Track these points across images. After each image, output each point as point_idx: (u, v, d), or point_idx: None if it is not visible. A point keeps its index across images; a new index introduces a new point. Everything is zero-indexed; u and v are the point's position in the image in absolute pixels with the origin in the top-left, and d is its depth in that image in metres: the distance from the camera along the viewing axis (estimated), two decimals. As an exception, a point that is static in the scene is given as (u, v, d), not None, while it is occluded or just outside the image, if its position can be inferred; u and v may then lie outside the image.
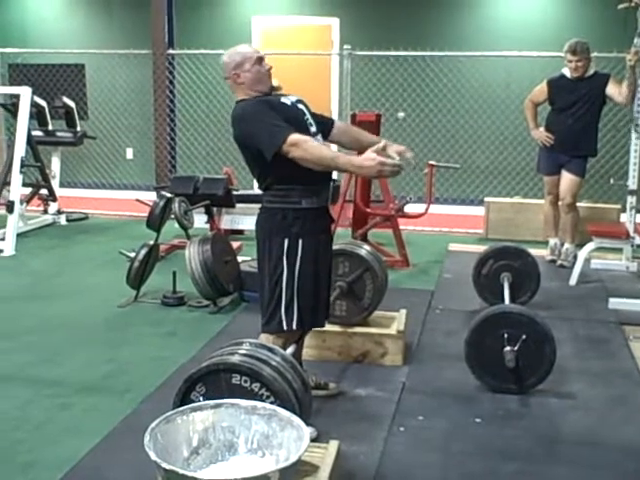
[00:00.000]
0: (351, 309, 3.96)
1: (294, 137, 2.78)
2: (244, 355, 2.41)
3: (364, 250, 3.98)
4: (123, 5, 9.10)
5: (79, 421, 3.30)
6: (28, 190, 7.18)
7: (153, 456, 1.77)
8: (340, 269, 3.85)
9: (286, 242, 2.96)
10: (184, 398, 2.35)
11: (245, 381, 2.33)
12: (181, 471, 1.77)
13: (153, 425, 1.91)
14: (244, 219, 6.71)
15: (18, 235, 6.46)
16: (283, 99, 3.04)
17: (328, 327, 3.91)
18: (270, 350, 2.51)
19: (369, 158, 2.69)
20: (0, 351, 4.12)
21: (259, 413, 2.06)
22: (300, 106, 3.08)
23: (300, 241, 2.96)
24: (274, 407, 2.09)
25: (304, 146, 2.77)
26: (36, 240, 6.81)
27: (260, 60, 3.03)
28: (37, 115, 7.41)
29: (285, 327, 3.01)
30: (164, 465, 1.74)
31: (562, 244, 5.94)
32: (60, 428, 3.23)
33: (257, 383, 2.32)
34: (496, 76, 8.04)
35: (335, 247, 3.83)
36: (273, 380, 2.32)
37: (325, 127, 3.18)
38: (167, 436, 1.92)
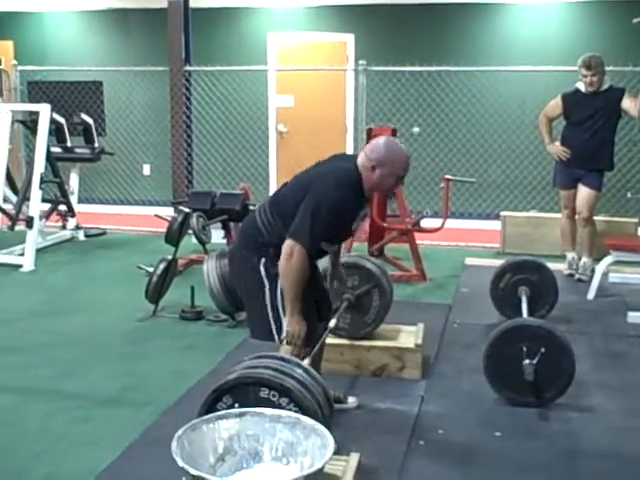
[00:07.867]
0: (355, 322, 3.93)
1: (302, 251, 2.92)
2: (272, 369, 2.41)
3: (374, 265, 3.95)
4: (140, 23, 9.20)
5: (99, 433, 3.32)
6: (47, 206, 7.23)
7: (180, 462, 1.79)
8: (350, 282, 3.80)
9: (262, 260, 3.05)
10: (210, 409, 2.35)
11: (274, 395, 2.33)
12: (208, 477, 1.78)
13: (180, 432, 1.92)
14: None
15: (37, 250, 6.50)
16: (360, 209, 3.10)
17: (345, 341, 3.93)
18: (295, 364, 2.52)
19: (298, 329, 2.96)
20: (20, 365, 4.15)
21: (283, 421, 2.07)
22: (360, 216, 3.16)
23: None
24: (298, 415, 2.10)
25: (295, 261, 2.91)
26: (55, 255, 6.85)
27: (399, 179, 3.08)
28: (56, 132, 7.47)
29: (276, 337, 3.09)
30: (192, 471, 1.76)
31: (579, 258, 5.91)
32: (80, 440, 3.25)
33: (285, 398, 2.32)
34: (511, 91, 8.04)
35: (346, 259, 3.84)
36: (303, 397, 2.31)
37: None
38: (194, 443, 1.93)
